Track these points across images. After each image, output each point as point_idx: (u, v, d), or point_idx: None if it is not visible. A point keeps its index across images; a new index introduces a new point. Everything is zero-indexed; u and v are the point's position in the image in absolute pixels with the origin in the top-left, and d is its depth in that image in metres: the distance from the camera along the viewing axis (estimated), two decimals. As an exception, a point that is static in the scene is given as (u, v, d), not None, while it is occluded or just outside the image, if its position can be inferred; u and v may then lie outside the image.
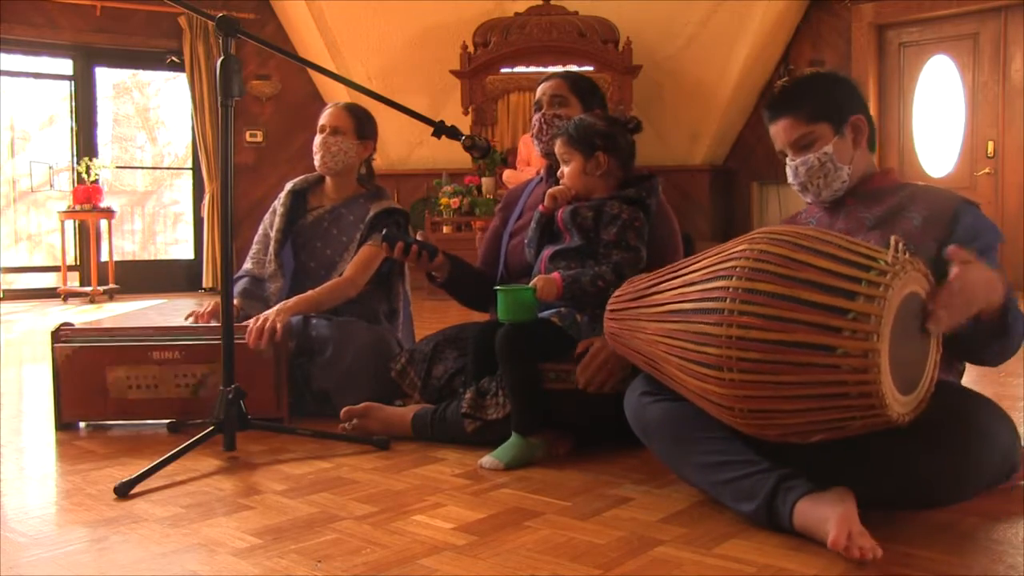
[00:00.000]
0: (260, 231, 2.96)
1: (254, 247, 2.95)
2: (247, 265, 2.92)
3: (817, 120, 1.82)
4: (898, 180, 1.88)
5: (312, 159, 2.88)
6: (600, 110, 2.42)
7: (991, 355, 1.69)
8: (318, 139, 2.84)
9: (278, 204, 2.93)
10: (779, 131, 1.87)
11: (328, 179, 2.93)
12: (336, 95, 8.05)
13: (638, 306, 1.71)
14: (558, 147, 2.25)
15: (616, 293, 1.82)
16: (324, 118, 2.86)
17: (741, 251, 1.51)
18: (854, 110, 1.85)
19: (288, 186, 2.96)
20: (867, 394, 1.38)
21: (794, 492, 1.51)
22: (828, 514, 1.44)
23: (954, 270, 1.46)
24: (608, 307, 1.82)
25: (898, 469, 1.55)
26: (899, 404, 1.43)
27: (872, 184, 1.86)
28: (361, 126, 2.87)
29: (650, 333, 1.65)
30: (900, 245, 1.44)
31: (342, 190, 2.92)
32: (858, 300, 1.38)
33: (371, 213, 2.83)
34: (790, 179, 1.89)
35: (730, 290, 1.46)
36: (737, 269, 1.48)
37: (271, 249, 2.86)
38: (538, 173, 2.67)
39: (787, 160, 1.88)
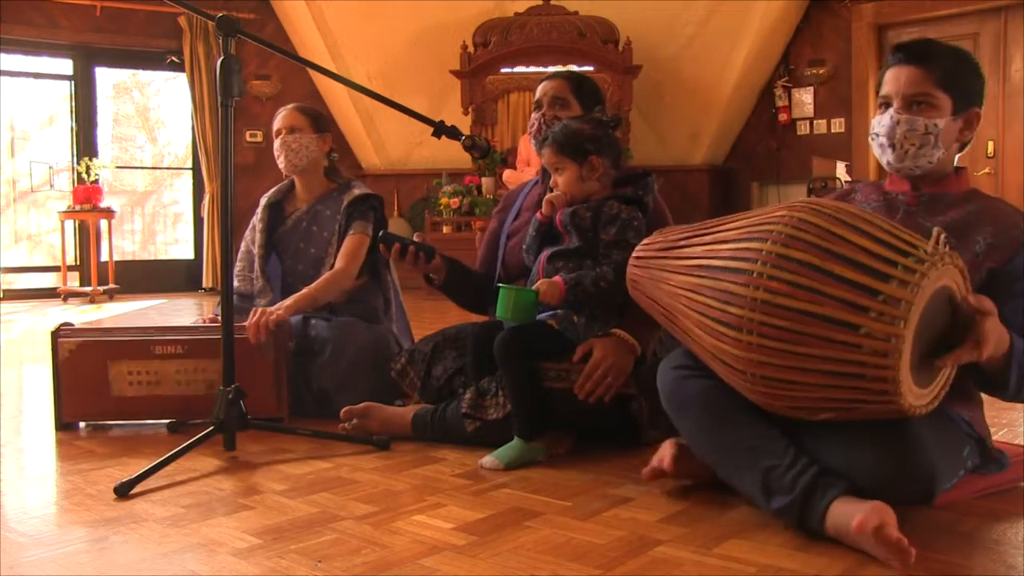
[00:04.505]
0: (243, 248, 2.97)
1: (239, 264, 2.95)
2: (234, 284, 2.90)
3: (945, 89, 1.70)
4: (968, 184, 1.80)
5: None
6: (586, 112, 2.40)
7: (995, 392, 1.68)
8: (277, 143, 2.86)
9: (256, 220, 2.94)
10: (900, 76, 1.73)
11: (298, 182, 2.94)
12: (336, 95, 8.06)
13: (666, 256, 1.67)
14: (547, 157, 2.23)
15: (646, 241, 1.77)
16: (278, 122, 2.88)
17: (780, 216, 1.49)
18: (978, 103, 1.76)
19: (263, 200, 2.96)
20: (883, 379, 1.37)
21: (834, 489, 1.48)
22: (865, 509, 1.40)
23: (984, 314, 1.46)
24: (635, 254, 1.77)
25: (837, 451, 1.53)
26: (913, 395, 1.41)
27: (943, 186, 1.77)
28: (315, 121, 2.90)
29: (674, 285, 1.62)
30: (942, 237, 1.42)
31: (313, 188, 2.93)
32: (891, 283, 1.37)
33: (345, 202, 2.85)
34: (877, 128, 1.76)
35: (763, 253, 1.45)
36: (773, 233, 1.46)
37: (256, 265, 2.88)
38: (538, 174, 2.65)
39: (886, 110, 1.75)
